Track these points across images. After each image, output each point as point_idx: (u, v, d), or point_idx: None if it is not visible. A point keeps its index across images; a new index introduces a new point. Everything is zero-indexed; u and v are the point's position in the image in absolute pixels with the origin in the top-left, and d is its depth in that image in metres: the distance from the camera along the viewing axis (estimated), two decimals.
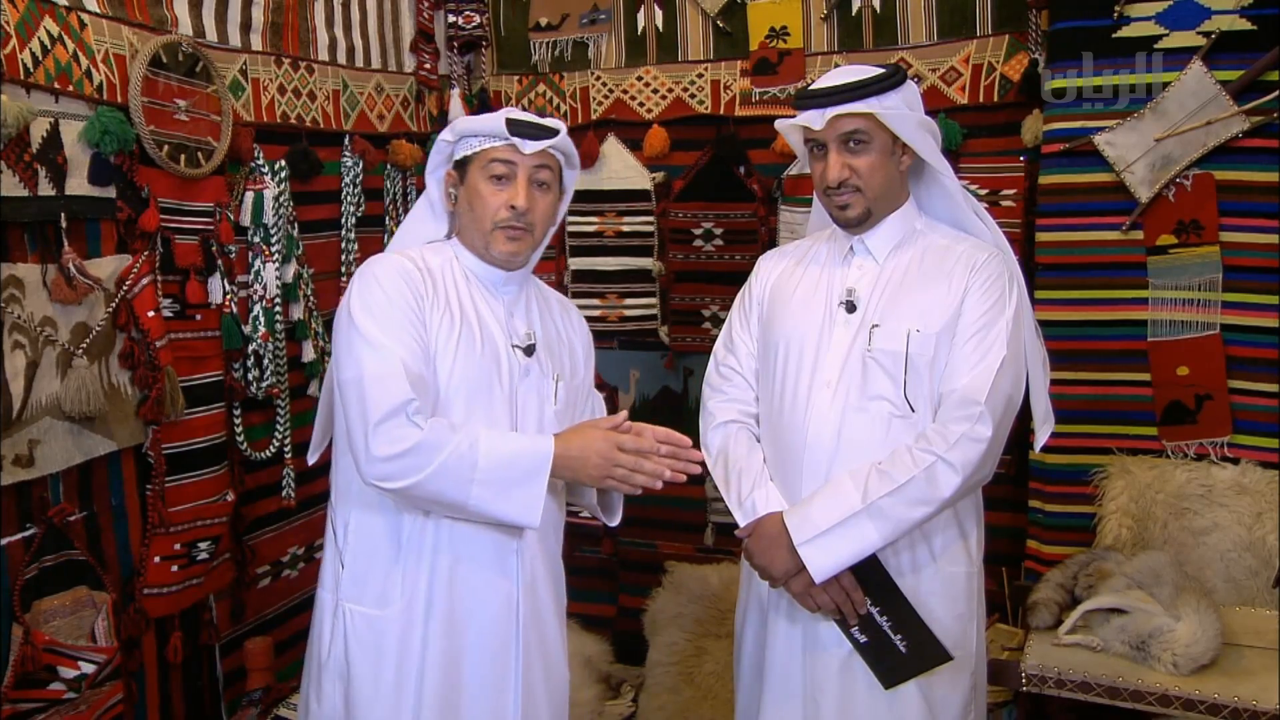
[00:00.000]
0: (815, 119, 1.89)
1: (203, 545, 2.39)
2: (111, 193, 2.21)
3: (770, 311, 2.06)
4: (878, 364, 1.88)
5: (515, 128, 1.79)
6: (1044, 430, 2.01)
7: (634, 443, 1.72)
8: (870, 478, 1.82)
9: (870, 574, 1.85)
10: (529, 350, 1.86)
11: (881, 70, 1.91)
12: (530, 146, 1.80)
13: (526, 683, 1.83)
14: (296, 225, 2.73)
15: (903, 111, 1.86)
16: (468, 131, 1.84)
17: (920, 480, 1.79)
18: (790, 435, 1.96)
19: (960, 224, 1.98)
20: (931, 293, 1.89)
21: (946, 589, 1.92)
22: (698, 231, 3.29)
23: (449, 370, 1.75)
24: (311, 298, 2.80)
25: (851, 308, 1.94)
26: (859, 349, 1.90)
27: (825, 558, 1.81)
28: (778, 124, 2.02)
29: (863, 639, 1.86)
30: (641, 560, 3.46)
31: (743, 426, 2.07)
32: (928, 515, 1.82)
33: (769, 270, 2.13)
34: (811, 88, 1.93)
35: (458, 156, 1.86)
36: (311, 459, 2.02)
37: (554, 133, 1.82)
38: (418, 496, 1.68)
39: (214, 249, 2.44)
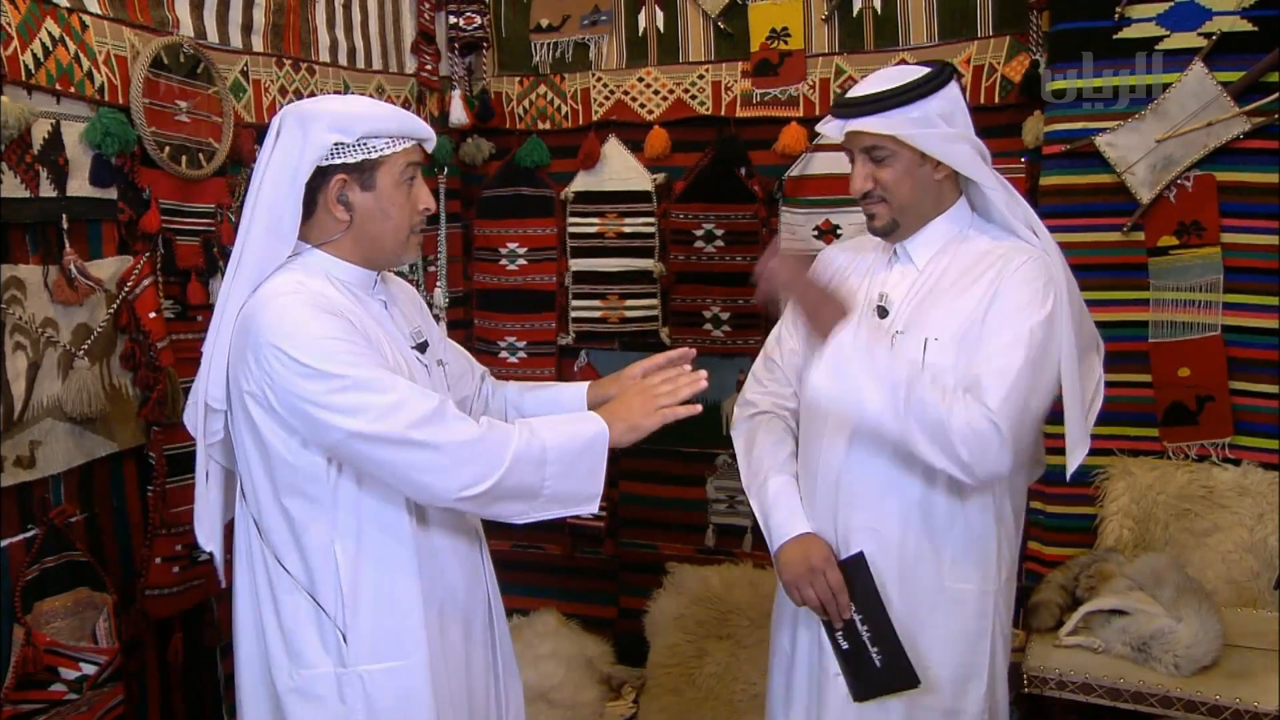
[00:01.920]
0: (834, 131, 1.86)
1: None
2: (113, 194, 2.21)
3: None
4: None
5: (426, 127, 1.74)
6: (1074, 456, 1.85)
7: (656, 369, 1.82)
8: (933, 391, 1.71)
9: (858, 579, 1.83)
10: (423, 347, 1.81)
11: (912, 79, 1.81)
12: (432, 145, 1.76)
13: (504, 664, 1.89)
14: None
15: (924, 129, 1.78)
16: (375, 133, 1.66)
17: (955, 422, 1.68)
18: (811, 432, 1.96)
19: (1012, 229, 1.90)
20: (960, 299, 1.82)
21: (951, 606, 1.86)
22: (699, 233, 3.29)
23: None
24: None
25: (883, 313, 1.90)
26: None
27: (828, 379, 1.73)
28: (818, 127, 1.97)
29: (845, 645, 1.85)
30: (642, 561, 3.46)
31: (774, 416, 2.06)
32: (924, 448, 1.71)
33: (825, 266, 2.07)
34: (844, 95, 1.88)
35: (354, 160, 1.66)
36: (209, 546, 1.81)
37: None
38: (497, 494, 1.59)
39: (215, 250, 2.44)
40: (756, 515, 1.99)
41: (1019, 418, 1.72)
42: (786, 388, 2.07)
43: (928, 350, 1.81)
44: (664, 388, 1.71)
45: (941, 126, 1.80)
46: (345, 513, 1.65)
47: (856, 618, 1.83)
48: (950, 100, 1.82)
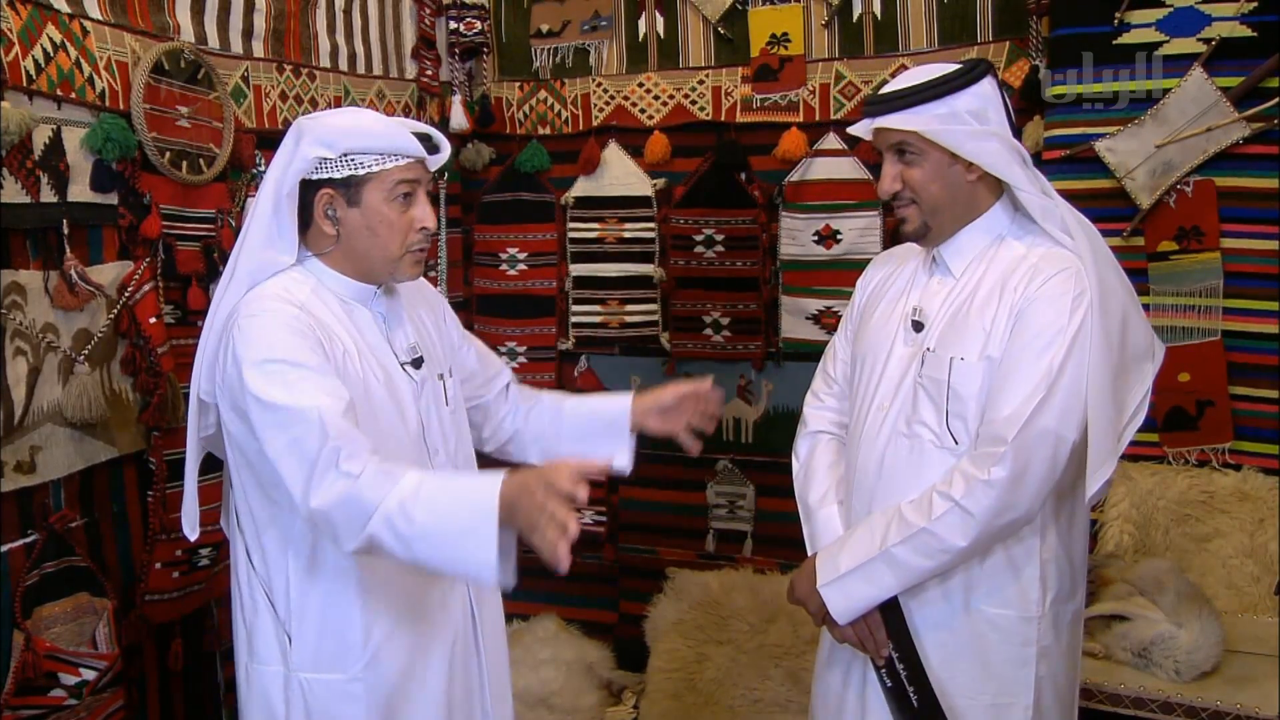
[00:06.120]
0: (862, 129, 1.80)
1: (204, 552, 2.39)
2: (113, 199, 2.21)
3: (861, 321, 1.97)
4: (925, 391, 1.77)
5: (427, 143, 1.68)
6: (1097, 477, 1.69)
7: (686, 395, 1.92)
8: (892, 522, 1.73)
9: (893, 620, 1.81)
10: (418, 363, 1.79)
11: (941, 74, 1.74)
12: (436, 161, 1.70)
13: (494, 673, 1.89)
14: None
15: (951, 126, 1.70)
16: (360, 149, 1.63)
17: (934, 529, 1.68)
18: (850, 454, 1.91)
19: (1048, 233, 1.78)
20: (987, 314, 1.74)
21: (986, 632, 1.79)
22: (699, 238, 3.29)
23: (360, 423, 1.61)
24: None
25: (918, 327, 1.82)
26: (913, 373, 1.79)
27: (844, 600, 1.77)
28: (850, 129, 1.91)
29: (889, 683, 1.83)
30: (643, 566, 3.46)
31: (832, 438, 2.00)
32: (946, 564, 1.72)
33: (871, 276, 2.02)
34: (877, 92, 1.81)
35: (339, 175, 1.64)
36: (194, 534, 1.80)
37: (441, 140, 1.72)
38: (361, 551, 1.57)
39: (216, 255, 2.44)
40: (807, 546, 1.95)
41: (1039, 449, 1.66)
42: (842, 402, 2.00)
43: (953, 370, 1.74)
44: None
45: (971, 124, 1.71)
46: (302, 523, 1.64)
47: (894, 656, 1.81)
48: (981, 98, 1.73)
